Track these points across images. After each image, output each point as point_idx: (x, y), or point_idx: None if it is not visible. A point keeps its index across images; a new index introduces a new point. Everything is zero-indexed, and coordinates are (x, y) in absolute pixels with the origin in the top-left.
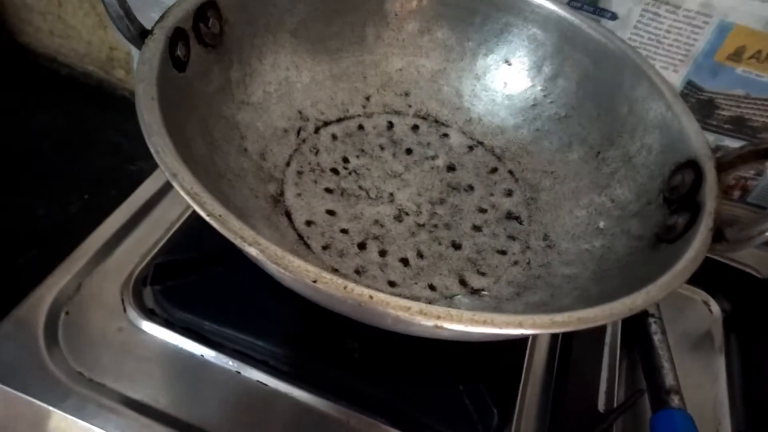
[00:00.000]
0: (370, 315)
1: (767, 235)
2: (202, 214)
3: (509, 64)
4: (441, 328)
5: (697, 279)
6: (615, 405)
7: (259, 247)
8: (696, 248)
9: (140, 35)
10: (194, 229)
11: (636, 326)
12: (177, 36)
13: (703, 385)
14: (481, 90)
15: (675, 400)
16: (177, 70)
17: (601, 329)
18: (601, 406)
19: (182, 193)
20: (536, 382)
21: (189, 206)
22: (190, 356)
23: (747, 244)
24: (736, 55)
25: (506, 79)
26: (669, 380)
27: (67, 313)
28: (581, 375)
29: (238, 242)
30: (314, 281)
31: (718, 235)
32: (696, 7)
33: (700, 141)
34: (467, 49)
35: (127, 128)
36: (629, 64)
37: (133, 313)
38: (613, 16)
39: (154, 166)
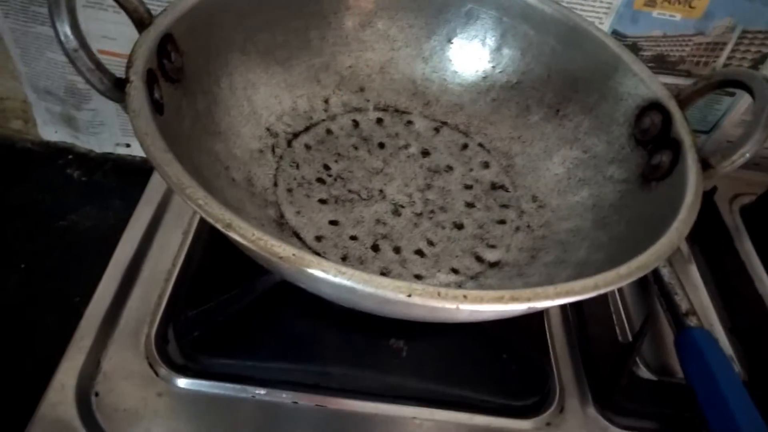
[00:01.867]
0: (453, 313)
1: (747, 157)
2: (273, 258)
3: (452, 43)
4: (533, 308)
5: None
6: (629, 335)
7: (347, 274)
8: (694, 179)
9: (115, 85)
10: (199, 274)
11: None
12: (151, 78)
13: (690, 295)
14: (432, 72)
15: (693, 320)
16: (159, 114)
17: None
18: (619, 337)
19: (245, 242)
20: (559, 334)
21: (181, 251)
22: (242, 400)
23: (731, 168)
24: (651, 1)
25: (453, 57)
26: (685, 304)
27: (96, 394)
28: (595, 317)
29: (329, 277)
30: (409, 295)
31: (704, 164)
32: None
33: (656, 83)
34: (410, 35)
35: (42, 184)
36: (569, 24)
37: (166, 375)
38: None
39: (88, 218)
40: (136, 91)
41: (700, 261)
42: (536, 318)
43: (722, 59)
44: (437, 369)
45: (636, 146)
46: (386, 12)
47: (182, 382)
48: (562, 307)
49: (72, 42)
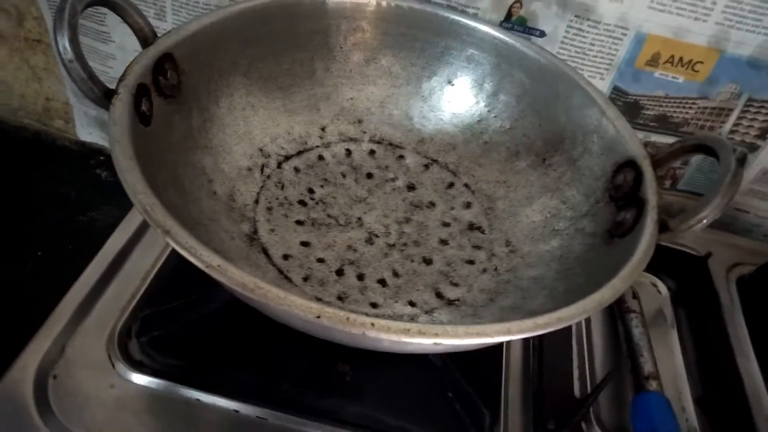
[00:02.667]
0: (370, 341)
1: (704, 222)
2: (201, 266)
3: (452, 85)
4: (439, 344)
5: None
6: (589, 390)
7: (261, 292)
8: (647, 240)
9: (104, 95)
10: (171, 276)
11: (620, 320)
12: (140, 92)
13: (662, 359)
14: (429, 111)
15: (653, 385)
16: (144, 125)
17: None
18: (577, 392)
19: (178, 248)
20: (516, 379)
21: (162, 254)
22: (187, 402)
23: (688, 232)
24: (653, 61)
25: (451, 99)
26: (648, 367)
27: (54, 377)
28: (555, 366)
29: (239, 289)
30: (318, 317)
31: (662, 226)
32: (614, 21)
33: (634, 142)
34: (411, 73)
35: (73, 179)
36: (562, 76)
37: (122, 368)
38: (542, 34)
39: (108, 216)
40: (121, 102)
41: (684, 327)
42: (492, 360)
43: (728, 125)
44: (378, 397)
45: (609, 201)
46: (391, 50)
47: (134, 377)
48: (524, 351)
49: (69, 54)
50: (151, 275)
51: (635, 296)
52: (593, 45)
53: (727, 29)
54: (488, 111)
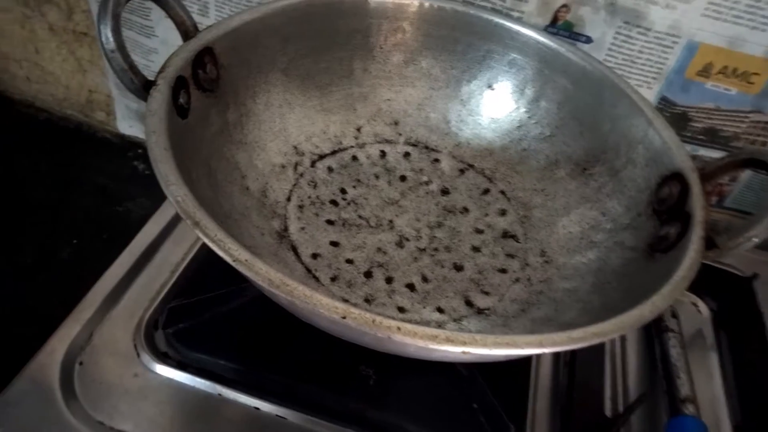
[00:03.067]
0: (395, 345)
1: (754, 241)
2: (228, 260)
3: (492, 89)
4: (467, 353)
5: None
6: (621, 409)
7: (287, 288)
8: (691, 257)
9: (144, 86)
10: (200, 270)
11: (657, 340)
12: (179, 84)
13: (700, 383)
14: (467, 115)
15: (690, 408)
16: (180, 118)
17: None
18: (607, 411)
19: (207, 241)
20: (544, 394)
21: (192, 247)
22: (208, 396)
23: (736, 250)
24: (705, 71)
25: (491, 103)
26: (685, 390)
27: (81, 363)
28: (586, 383)
29: (265, 285)
30: (344, 317)
31: (709, 243)
32: (665, 29)
33: (682, 154)
34: (451, 76)
35: (111, 170)
36: (608, 83)
37: (147, 358)
38: (588, 40)
39: (142, 207)
40: (159, 94)
41: (725, 350)
42: (521, 372)
43: None
44: (401, 404)
45: (651, 215)
46: (431, 52)
47: (158, 368)
48: (554, 366)
49: (111, 44)
50: (181, 267)
51: (674, 315)
52: (642, 53)
53: None
54: (528, 117)
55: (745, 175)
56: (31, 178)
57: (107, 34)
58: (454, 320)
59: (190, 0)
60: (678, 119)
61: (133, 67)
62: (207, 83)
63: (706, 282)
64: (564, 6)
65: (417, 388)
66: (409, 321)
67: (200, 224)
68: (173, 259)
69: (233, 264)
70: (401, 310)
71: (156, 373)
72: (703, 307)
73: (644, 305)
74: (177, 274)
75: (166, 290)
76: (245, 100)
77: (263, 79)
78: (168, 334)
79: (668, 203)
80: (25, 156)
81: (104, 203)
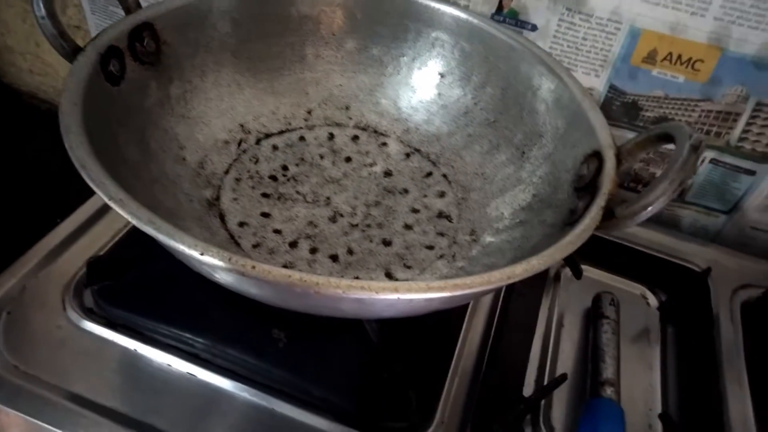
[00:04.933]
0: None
1: (650, 210)
2: (104, 197)
3: (442, 76)
4: (317, 292)
5: (635, 273)
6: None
7: (155, 225)
8: (584, 224)
9: (73, 52)
10: (136, 235)
11: (592, 325)
12: (110, 53)
13: (636, 373)
14: (418, 101)
15: (608, 391)
16: (110, 84)
17: (532, 322)
18: (527, 392)
19: (87, 180)
20: (466, 372)
21: None
22: (124, 351)
23: (634, 220)
24: (650, 58)
25: (440, 90)
26: (608, 373)
27: (9, 313)
28: (511, 364)
29: (134, 221)
30: (201, 254)
31: (608, 214)
32: (607, 15)
33: (604, 132)
34: (402, 63)
35: None
36: (545, 68)
37: (72, 313)
38: (534, 27)
39: None
40: (84, 58)
41: (670, 343)
42: (443, 349)
43: (737, 131)
44: (308, 367)
45: (572, 193)
46: (383, 39)
47: (82, 323)
48: (481, 347)
49: (41, 10)
50: (122, 233)
51: (613, 303)
52: (586, 39)
53: (728, 25)
54: (475, 103)
55: (704, 168)
56: (30, 162)
57: (38, 1)
58: None
59: None
60: (629, 108)
61: (63, 33)
62: (145, 56)
63: (657, 274)
64: None
65: (328, 353)
66: None
67: (86, 168)
68: (115, 225)
69: (108, 202)
70: None
71: (79, 327)
72: (652, 299)
73: (518, 264)
74: (117, 238)
75: (102, 252)
76: (192, 77)
77: (212, 59)
78: (93, 291)
79: (585, 180)
80: (28, 143)
81: None
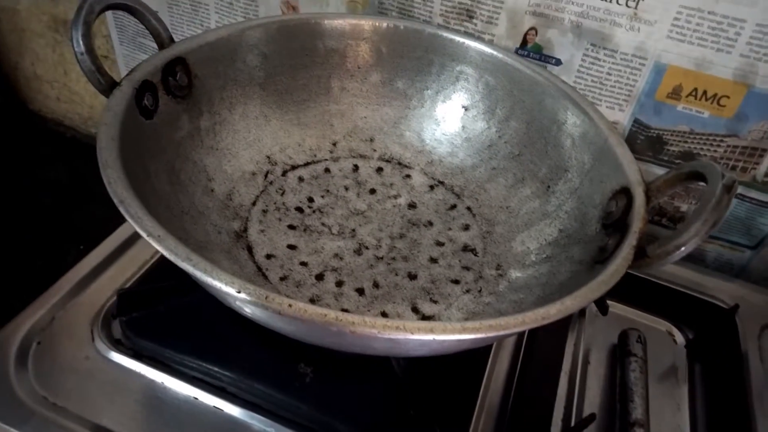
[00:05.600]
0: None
1: (683, 250)
2: (142, 233)
3: (466, 109)
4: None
5: (661, 309)
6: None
7: (188, 258)
8: (617, 263)
9: (110, 87)
10: (164, 266)
11: (619, 363)
12: (144, 88)
13: (666, 413)
14: (441, 134)
15: None
16: (144, 118)
17: (559, 358)
18: (555, 430)
19: (126, 215)
20: (492, 409)
21: None
22: (151, 383)
23: (666, 260)
24: (675, 94)
25: (464, 123)
26: (637, 414)
27: (39, 343)
28: (537, 401)
29: (172, 257)
30: (239, 291)
31: (640, 253)
32: (631, 51)
33: (632, 169)
34: (426, 96)
35: None
36: (570, 103)
37: (100, 344)
38: (558, 62)
39: None
40: (120, 93)
41: (698, 382)
42: (469, 385)
43: (764, 166)
44: (334, 403)
45: (600, 229)
46: (407, 72)
47: (110, 354)
48: (507, 383)
49: (81, 47)
50: (149, 264)
51: (640, 340)
52: (610, 74)
53: (754, 62)
54: (499, 137)
55: None
56: (53, 188)
57: (78, 38)
58: None
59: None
60: (653, 142)
61: (100, 68)
62: (178, 90)
63: (683, 311)
64: (532, 29)
65: (354, 389)
66: None
67: (125, 203)
68: (143, 256)
69: (147, 238)
70: (344, 311)
71: (107, 358)
72: (678, 336)
73: (552, 305)
74: (144, 269)
75: (130, 283)
76: (220, 109)
77: (240, 92)
78: (122, 322)
79: (614, 216)
80: (50, 170)
81: (115, 212)
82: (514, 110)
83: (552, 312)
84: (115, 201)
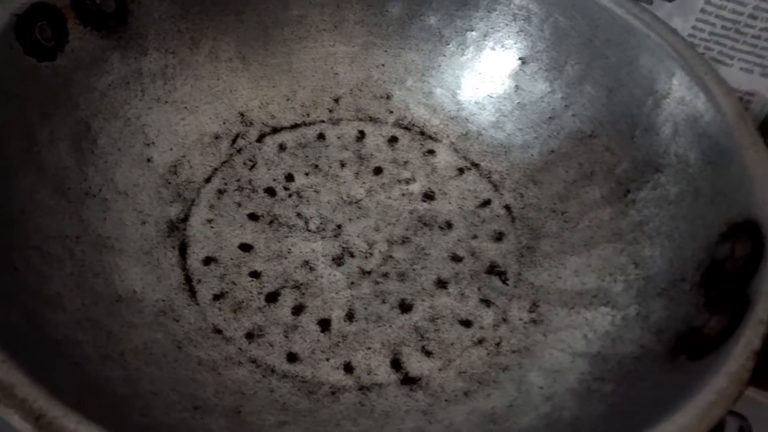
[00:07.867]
0: None
1: None
2: None
3: (524, 62)
4: None
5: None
6: None
7: None
8: (728, 372)
9: None
10: None
11: None
12: (34, 15)
13: None
14: (485, 95)
15: None
16: (36, 59)
17: None
18: None
19: None
20: None
21: None
22: None
23: None
24: None
25: (519, 82)
26: None
27: None
28: None
29: None
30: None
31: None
32: None
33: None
34: (469, 40)
35: None
36: (680, 66)
37: None
38: None
39: None
40: None
41: None
42: None
43: None
44: None
45: (698, 284)
46: (444, 4)
47: None
48: None
49: None
50: None
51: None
52: (755, 18)
53: None
54: (565, 106)
55: None
56: None
57: None
58: (360, 389)
59: None
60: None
61: None
62: (100, 19)
63: None
64: None
65: None
66: (293, 377)
67: None
68: None
69: None
70: (291, 358)
71: None
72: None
73: None
74: None
75: None
76: (177, 47)
77: (207, 23)
78: None
79: (725, 271)
80: None
81: None
82: (591, 69)
83: None
84: None
